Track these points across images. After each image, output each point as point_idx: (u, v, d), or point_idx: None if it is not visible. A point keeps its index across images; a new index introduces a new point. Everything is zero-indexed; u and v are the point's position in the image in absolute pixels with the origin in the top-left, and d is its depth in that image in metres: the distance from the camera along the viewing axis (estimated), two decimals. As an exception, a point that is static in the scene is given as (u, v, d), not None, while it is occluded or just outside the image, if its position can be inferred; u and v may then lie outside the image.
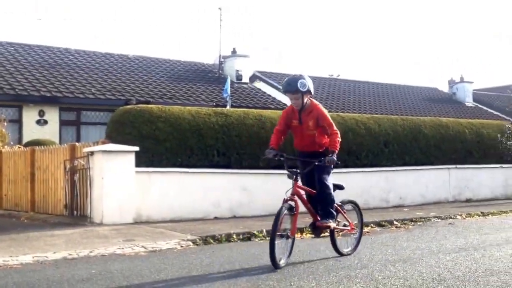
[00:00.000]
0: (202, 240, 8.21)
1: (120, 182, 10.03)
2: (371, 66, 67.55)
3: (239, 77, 25.57)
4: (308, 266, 6.04)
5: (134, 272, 5.82)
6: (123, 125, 10.80)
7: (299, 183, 6.27)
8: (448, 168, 15.07)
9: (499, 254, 6.61)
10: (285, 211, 6.01)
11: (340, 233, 6.77)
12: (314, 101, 6.60)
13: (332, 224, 6.40)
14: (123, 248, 7.42)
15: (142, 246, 7.60)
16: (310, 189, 6.44)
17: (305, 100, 6.41)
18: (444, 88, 34.98)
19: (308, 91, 6.39)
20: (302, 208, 6.36)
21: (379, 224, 10.20)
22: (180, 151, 11.06)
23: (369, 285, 4.98)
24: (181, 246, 7.76)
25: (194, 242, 8.09)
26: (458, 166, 15.30)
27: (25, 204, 12.33)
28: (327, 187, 6.39)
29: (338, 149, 6.37)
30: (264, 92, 25.55)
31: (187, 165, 11.06)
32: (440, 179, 14.83)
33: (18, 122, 17.94)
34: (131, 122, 10.79)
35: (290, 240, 6.15)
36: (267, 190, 11.67)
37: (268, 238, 8.33)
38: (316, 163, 6.29)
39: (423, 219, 10.95)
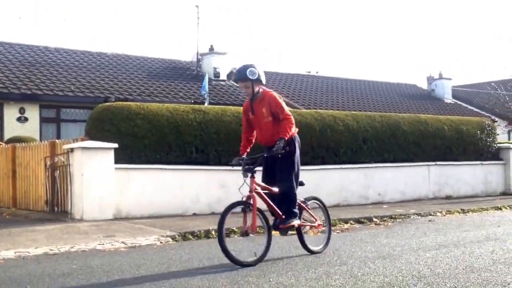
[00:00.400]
0: (181, 236, 8.31)
1: (100, 179, 10.09)
2: (370, 66, 67.98)
3: (216, 75, 25.64)
4: (287, 262, 6.13)
5: (114, 267, 5.91)
6: (102, 122, 10.84)
7: (258, 180, 6.20)
8: (428, 165, 15.18)
9: (480, 251, 6.64)
10: (236, 209, 6.00)
11: (308, 229, 6.74)
12: (267, 89, 6.47)
13: (296, 222, 6.31)
14: (103, 244, 7.51)
15: (122, 242, 7.68)
16: (269, 187, 6.28)
17: (256, 89, 6.33)
18: (423, 85, 35.35)
19: (259, 80, 6.31)
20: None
21: (358, 221, 10.34)
22: (159, 148, 11.14)
23: (348, 281, 5.04)
24: (160, 242, 7.86)
25: (173, 238, 8.19)
26: (438, 162, 15.41)
27: (7, 200, 12.34)
28: (287, 184, 6.25)
29: (289, 135, 6.17)
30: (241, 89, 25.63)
31: (165, 161, 11.14)
32: (419, 176, 14.98)
33: (-1, 119, 17.88)
34: (110, 119, 10.83)
35: (263, 238, 6.14)
36: (245, 186, 11.77)
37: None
38: (265, 155, 6.21)
39: (403, 216, 11.04)
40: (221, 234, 5.80)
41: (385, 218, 10.72)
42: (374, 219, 10.54)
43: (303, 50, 69.76)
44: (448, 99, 33.25)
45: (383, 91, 31.90)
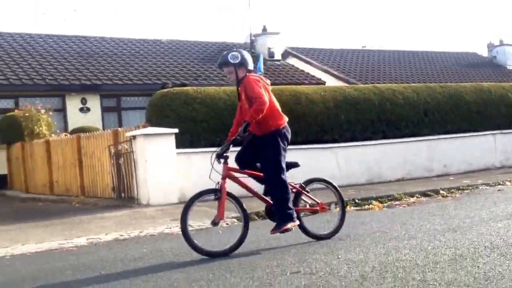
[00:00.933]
0: (246, 217, 8.32)
1: (163, 164, 10.27)
2: (426, 37, 66.23)
3: (271, 55, 25.56)
4: (354, 238, 6.07)
5: (183, 250, 5.99)
6: (161, 108, 11.00)
7: (232, 165, 5.82)
8: (493, 133, 14.67)
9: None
10: (206, 197, 5.71)
11: (309, 214, 6.25)
12: (252, 74, 5.92)
13: (291, 224, 5.70)
14: (170, 228, 7.65)
15: (189, 225, 7.77)
16: (252, 171, 5.88)
17: (241, 74, 5.83)
18: (484, 52, 34.15)
19: (241, 64, 5.82)
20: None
21: (424, 194, 10.12)
22: (218, 131, 11.20)
23: (419, 255, 4.92)
24: (226, 224, 7.92)
25: (238, 218, 8.24)
26: (504, 131, 14.85)
27: (75, 189, 12.75)
28: (277, 183, 5.72)
29: (255, 118, 5.59)
30: (297, 68, 25.49)
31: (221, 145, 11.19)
32: (485, 145, 14.50)
33: (62, 111, 18.51)
34: (169, 105, 10.97)
35: (238, 229, 5.81)
36: (305, 165, 11.74)
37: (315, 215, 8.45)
38: (217, 153, 5.73)
39: (471, 187, 10.74)
40: (185, 224, 5.55)
41: (452, 190, 10.46)
42: (441, 191, 10.29)
43: (357, 25, 68.51)
44: (511, 65, 32.01)
45: (441, 61, 31.04)
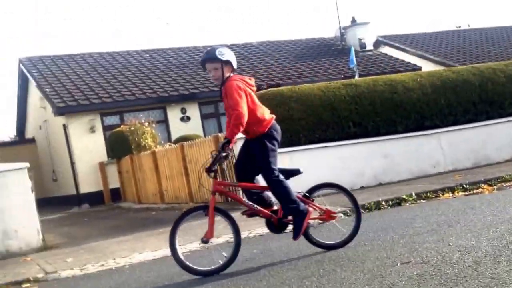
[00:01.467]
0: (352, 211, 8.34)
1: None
2: (504, 10, 62.93)
3: (362, 46, 25.26)
4: (464, 224, 5.91)
5: (292, 248, 6.11)
6: (259, 110, 11.20)
7: (220, 179, 5.62)
8: None
9: None
10: (196, 213, 5.59)
11: (314, 225, 5.77)
12: (236, 75, 5.58)
13: (307, 219, 5.48)
14: (278, 227, 7.78)
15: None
16: (246, 184, 5.65)
17: (226, 73, 5.48)
18: None
19: (228, 62, 5.45)
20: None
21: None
22: (316, 127, 11.28)
23: None
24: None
25: (344, 213, 8.25)
26: None
27: (184, 196, 13.28)
28: (273, 180, 5.47)
29: (235, 133, 5.28)
30: (391, 56, 25.01)
31: (324, 139, 11.26)
32: None
33: (164, 122, 19.35)
34: (266, 106, 11.14)
35: (230, 246, 5.56)
36: (408, 153, 11.61)
37: (418, 202, 8.32)
38: (206, 168, 5.43)
39: None
40: (173, 244, 5.40)
41: None
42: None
43: (450, 5, 65.87)
44: None
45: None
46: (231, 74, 5.52)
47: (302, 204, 5.52)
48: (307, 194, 5.71)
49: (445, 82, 12.39)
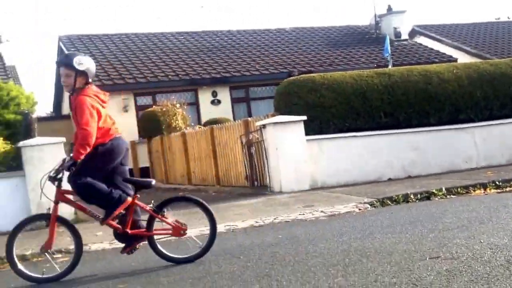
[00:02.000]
0: (379, 202, 8.26)
1: (293, 152, 10.41)
2: None
3: (397, 35, 24.85)
4: (496, 222, 5.76)
5: (318, 236, 6.07)
6: (289, 96, 11.14)
7: (66, 188, 5.29)
8: None
9: None
10: (34, 223, 5.39)
11: (160, 238, 5.49)
12: (91, 88, 5.32)
13: (119, 209, 5.19)
14: (304, 214, 7.76)
15: (321, 211, 7.87)
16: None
17: (79, 83, 5.25)
18: None
19: (84, 73, 5.24)
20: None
21: None
22: (346, 116, 11.16)
23: None
24: (359, 209, 7.89)
25: (371, 204, 8.18)
26: None
27: (211, 178, 13.33)
28: (74, 182, 5.17)
29: (82, 154, 5.07)
30: (426, 47, 24.57)
31: (354, 129, 11.14)
32: None
33: (195, 104, 19.41)
34: (296, 92, 11.09)
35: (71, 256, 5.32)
36: (440, 147, 11.41)
37: (448, 197, 8.16)
38: (50, 176, 5.14)
39: None
40: (10, 254, 5.10)
41: None
42: None
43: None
44: None
45: None
46: (86, 86, 5.29)
47: (115, 192, 5.24)
48: (156, 209, 5.37)
49: (482, 74, 12.12)
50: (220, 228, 7.33)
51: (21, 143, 9.30)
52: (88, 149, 5.10)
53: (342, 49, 23.06)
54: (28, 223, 5.30)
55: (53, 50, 28.80)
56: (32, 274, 5.22)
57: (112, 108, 18.28)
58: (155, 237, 5.44)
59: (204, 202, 5.65)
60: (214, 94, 19.63)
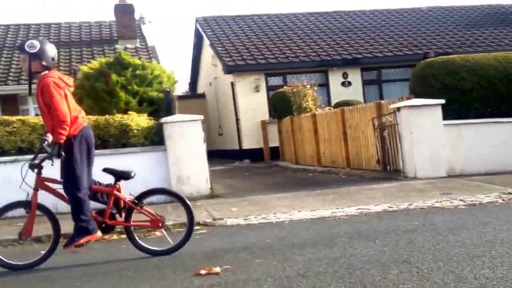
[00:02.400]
0: (525, 193, 7.74)
1: (429, 136, 10.03)
2: None
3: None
4: None
5: (458, 225, 5.81)
6: (426, 78, 10.73)
7: (46, 175, 5.28)
8: None
9: None
10: (15, 211, 5.30)
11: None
12: (53, 72, 5.32)
13: (85, 238, 5.18)
14: (440, 201, 7.46)
15: (460, 200, 7.52)
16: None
17: (35, 67, 5.28)
18: None
19: (37, 56, 5.25)
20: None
21: None
22: (489, 100, 10.55)
23: None
24: (503, 200, 7.44)
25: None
26: None
27: (341, 161, 13.23)
28: (68, 192, 5.19)
29: (64, 136, 5.06)
30: None
31: (497, 114, 10.49)
32: None
33: (325, 85, 19.32)
34: (434, 74, 10.65)
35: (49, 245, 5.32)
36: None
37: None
38: (30, 163, 5.21)
39: None
40: None
41: None
42: None
43: None
44: None
45: None
46: (45, 72, 5.29)
47: (90, 223, 5.24)
48: (135, 201, 5.42)
49: None
50: (352, 211, 7.31)
51: (163, 119, 9.82)
52: (67, 128, 5.13)
53: (483, 30, 21.75)
54: (8, 209, 5.37)
55: (190, 31, 29.92)
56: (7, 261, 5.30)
57: (244, 87, 18.77)
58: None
59: (183, 196, 5.67)
60: (345, 75, 19.38)
